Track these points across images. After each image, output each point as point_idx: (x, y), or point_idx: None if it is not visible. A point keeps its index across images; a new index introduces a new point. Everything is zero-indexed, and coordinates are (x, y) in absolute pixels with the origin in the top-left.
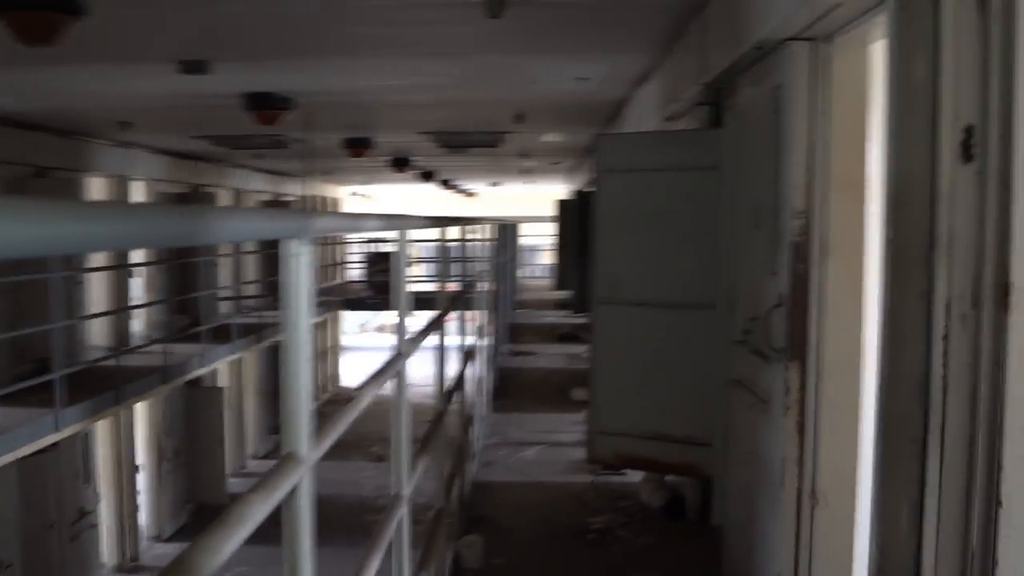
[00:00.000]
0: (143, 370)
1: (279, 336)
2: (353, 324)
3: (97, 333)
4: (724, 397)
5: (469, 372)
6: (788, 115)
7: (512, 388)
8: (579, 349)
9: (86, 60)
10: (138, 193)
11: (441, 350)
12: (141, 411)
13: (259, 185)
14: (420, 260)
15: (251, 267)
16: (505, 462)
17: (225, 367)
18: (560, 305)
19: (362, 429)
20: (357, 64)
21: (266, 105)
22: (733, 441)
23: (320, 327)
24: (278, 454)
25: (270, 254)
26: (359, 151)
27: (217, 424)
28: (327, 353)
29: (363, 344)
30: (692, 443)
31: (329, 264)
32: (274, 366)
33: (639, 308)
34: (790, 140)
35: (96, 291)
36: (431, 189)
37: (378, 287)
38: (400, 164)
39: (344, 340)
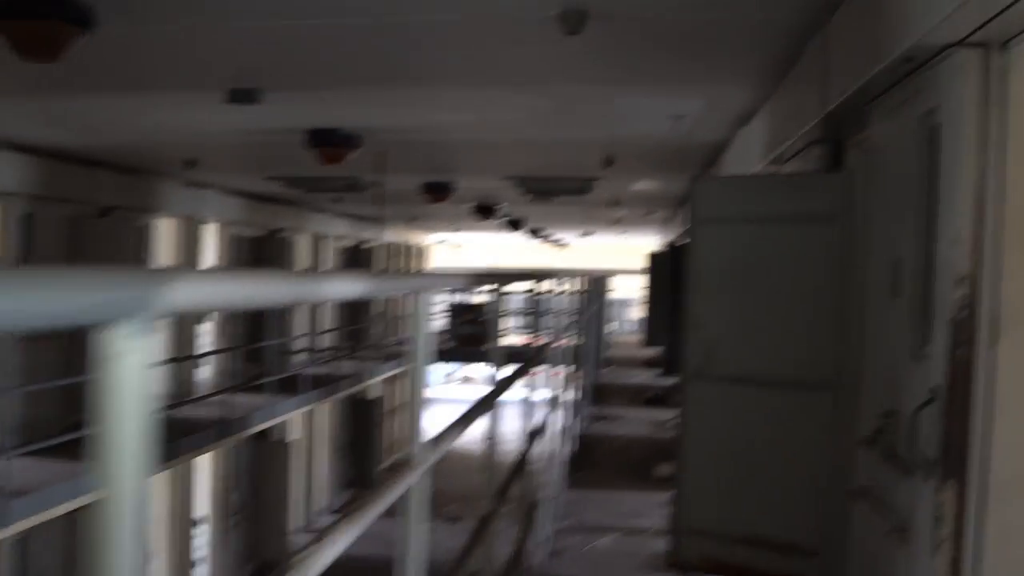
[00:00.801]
0: (202, 422)
1: (351, 389)
2: (439, 375)
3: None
4: (842, 505)
5: (536, 449)
6: (950, 147)
7: (591, 459)
8: (666, 415)
9: (128, 86)
10: (210, 236)
11: (492, 432)
12: (206, 463)
13: (340, 230)
14: (509, 313)
15: (328, 314)
16: (577, 551)
17: (298, 419)
18: (649, 363)
19: (437, 485)
20: (425, 95)
21: (330, 142)
22: (854, 567)
23: (400, 378)
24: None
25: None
26: (439, 197)
27: (281, 479)
28: (405, 407)
29: (448, 396)
30: (796, 552)
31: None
32: (350, 418)
33: (738, 384)
34: (952, 181)
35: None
36: (520, 238)
37: (463, 338)
38: (484, 211)
39: (430, 392)
